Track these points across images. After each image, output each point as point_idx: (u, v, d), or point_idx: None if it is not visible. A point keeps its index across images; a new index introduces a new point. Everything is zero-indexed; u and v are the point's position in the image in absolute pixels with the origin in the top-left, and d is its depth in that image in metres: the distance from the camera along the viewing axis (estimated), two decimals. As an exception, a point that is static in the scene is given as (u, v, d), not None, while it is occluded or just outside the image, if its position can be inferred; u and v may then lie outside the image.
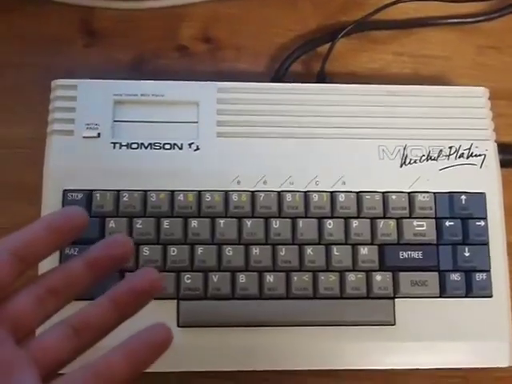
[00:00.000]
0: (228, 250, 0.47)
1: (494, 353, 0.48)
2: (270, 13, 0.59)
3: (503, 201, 0.50)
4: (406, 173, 0.50)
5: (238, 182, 0.49)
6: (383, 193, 0.49)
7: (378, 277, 0.48)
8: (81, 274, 0.32)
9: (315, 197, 0.49)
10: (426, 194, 0.49)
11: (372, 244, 0.48)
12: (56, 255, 0.46)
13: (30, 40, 0.57)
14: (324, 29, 0.59)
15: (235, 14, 0.59)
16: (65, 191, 0.47)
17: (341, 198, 0.49)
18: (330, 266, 0.48)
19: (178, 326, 0.46)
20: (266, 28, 0.59)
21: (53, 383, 0.28)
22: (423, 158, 0.50)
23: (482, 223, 0.49)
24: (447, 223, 0.49)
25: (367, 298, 0.48)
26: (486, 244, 0.49)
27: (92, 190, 0.47)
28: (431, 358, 0.47)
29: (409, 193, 0.49)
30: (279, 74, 0.56)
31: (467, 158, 0.50)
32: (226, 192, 0.48)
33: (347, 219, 0.48)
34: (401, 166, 0.50)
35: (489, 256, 0.49)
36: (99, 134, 0.49)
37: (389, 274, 0.48)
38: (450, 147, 0.50)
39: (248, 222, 0.48)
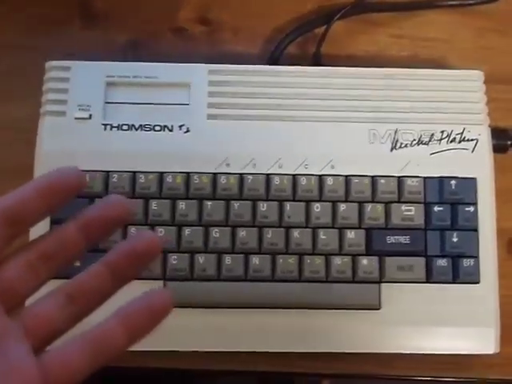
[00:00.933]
0: (215, 232, 0.48)
1: (481, 339, 0.47)
2: (267, -6, 0.59)
3: (496, 186, 0.50)
4: (396, 157, 0.49)
5: (227, 165, 0.49)
6: (372, 177, 0.49)
7: (364, 261, 0.48)
8: (74, 238, 0.30)
9: (303, 180, 0.48)
10: (416, 179, 0.49)
11: (359, 228, 0.48)
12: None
13: (28, 22, 0.57)
14: (321, 10, 0.58)
15: (233, -5, 0.59)
16: (55, 171, 0.48)
17: (329, 181, 0.49)
18: (316, 249, 0.48)
19: (164, 305, 0.47)
20: (263, 10, 0.59)
21: (45, 353, 0.28)
22: (414, 142, 0.50)
23: (472, 209, 0.48)
24: (436, 208, 0.48)
25: (353, 282, 0.48)
26: (475, 230, 0.48)
27: (82, 171, 0.48)
28: (417, 343, 0.47)
29: (398, 177, 0.49)
30: (275, 56, 0.56)
31: (459, 142, 0.50)
32: (215, 174, 0.49)
33: (335, 203, 0.48)
34: (391, 150, 0.49)
35: (477, 242, 0.48)
36: (91, 115, 0.49)
37: (375, 258, 0.48)
38: (442, 131, 0.50)
39: (236, 204, 0.48)
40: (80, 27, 0.58)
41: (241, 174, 0.49)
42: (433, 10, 0.59)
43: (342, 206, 0.48)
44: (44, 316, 0.29)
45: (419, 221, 0.48)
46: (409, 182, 0.49)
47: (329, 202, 0.48)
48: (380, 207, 0.48)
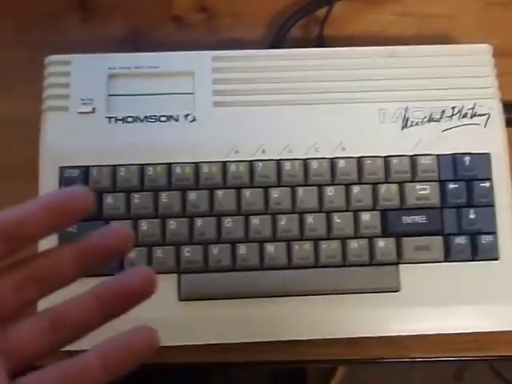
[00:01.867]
0: (227, 222, 0.47)
1: (502, 316, 0.47)
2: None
3: (510, 160, 0.49)
4: (407, 136, 0.48)
5: (236, 152, 0.48)
6: (384, 157, 0.48)
7: (380, 243, 0.47)
8: (67, 264, 0.29)
9: (315, 164, 0.48)
10: (429, 157, 0.48)
11: (374, 210, 0.47)
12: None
13: (26, 16, 0.56)
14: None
15: (230, -20, 0.58)
16: (61, 168, 0.47)
17: (341, 164, 0.48)
18: (331, 233, 0.47)
19: (180, 299, 0.46)
20: (261, -6, 0.58)
21: (21, 379, 0.27)
22: (425, 119, 0.49)
23: (487, 184, 0.48)
24: (451, 186, 0.47)
25: (370, 265, 0.47)
26: (492, 206, 0.47)
27: (88, 166, 0.47)
28: (438, 324, 0.47)
29: (411, 156, 0.48)
30: (277, 39, 0.55)
31: (471, 117, 0.49)
32: (224, 163, 0.48)
33: (348, 186, 0.48)
34: (402, 128, 0.49)
35: (494, 218, 0.47)
36: (94, 108, 0.48)
37: (392, 240, 0.47)
38: (453, 107, 0.49)
39: (247, 192, 0.47)
40: (78, 20, 0.57)
41: (251, 161, 0.48)
42: (436, -14, 0.58)
43: (356, 189, 0.47)
44: (25, 339, 0.28)
45: (435, 199, 0.47)
46: (422, 160, 0.48)
47: (342, 185, 0.48)
48: (394, 188, 0.47)
